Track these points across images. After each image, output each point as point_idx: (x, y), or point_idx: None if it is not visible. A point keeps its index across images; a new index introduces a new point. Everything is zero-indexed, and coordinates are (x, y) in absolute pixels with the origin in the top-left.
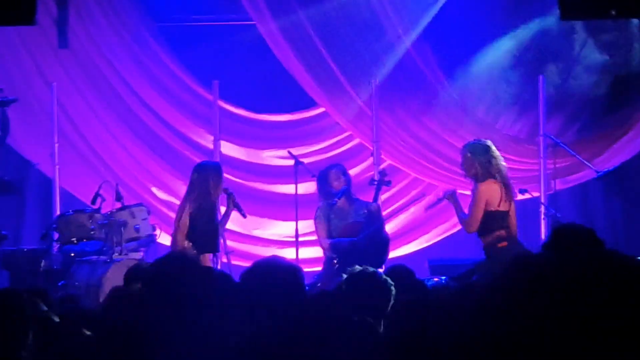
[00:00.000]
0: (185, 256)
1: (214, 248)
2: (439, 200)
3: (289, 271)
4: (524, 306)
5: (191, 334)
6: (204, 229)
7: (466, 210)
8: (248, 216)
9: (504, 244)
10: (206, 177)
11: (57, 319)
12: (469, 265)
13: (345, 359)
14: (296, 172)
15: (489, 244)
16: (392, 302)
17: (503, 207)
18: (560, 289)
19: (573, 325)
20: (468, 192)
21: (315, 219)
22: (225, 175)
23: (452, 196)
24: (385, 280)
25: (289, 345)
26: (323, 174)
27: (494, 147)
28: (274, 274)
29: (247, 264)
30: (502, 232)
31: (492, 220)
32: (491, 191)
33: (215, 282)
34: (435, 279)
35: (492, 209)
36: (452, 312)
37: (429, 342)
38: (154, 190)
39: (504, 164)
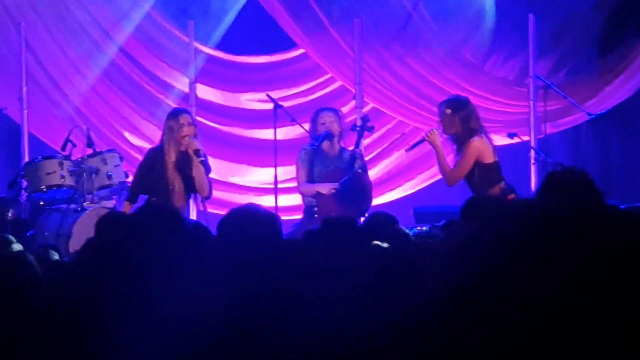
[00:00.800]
0: (164, 207)
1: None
2: (420, 140)
3: (265, 219)
4: (511, 257)
5: (165, 290)
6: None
7: (449, 160)
8: (226, 163)
9: (512, 195)
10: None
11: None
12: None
13: (323, 311)
14: (275, 116)
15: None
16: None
17: (497, 157)
18: (551, 240)
19: (562, 281)
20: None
21: (297, 161)
22: (201, 119)
23: (433, 137)
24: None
25: (263, 299)
26: (314, 116)
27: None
28: (250, 223)
29: (223, 211)
30: (504, 184)
31: (493, 172)
32: (484, 143)
33: (191, 234)
34: (419, 228)
35: (490, 160)
36: (433, 263)
37: (406, 295)
38: (127, 135)
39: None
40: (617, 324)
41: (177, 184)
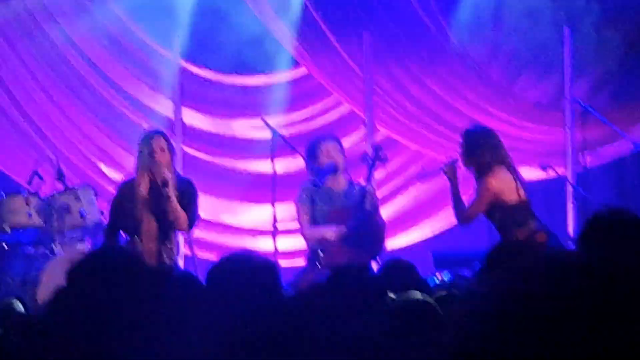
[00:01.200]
0: (126, 252)
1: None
2: (436, 171)
3: (262, 269)
4: (547, 324)
5: (148, 347)
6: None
7: (464, 198)
8: (216, 199)
9: (544, 237)
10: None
11: None
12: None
13: None
14: (273, 146)
15: (526, 240)
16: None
17: (523, 195)
18: (600, 303)
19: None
20: None
21: (296, 203)
22: (187, 149)
23: (451, 168)
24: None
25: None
26: (312, 147)
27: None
28: (245, 274)
29: (213, 256)
30: (535, 224)
31: (519, 211)
32: (502, 181)
33: (174, 284)
34: (439, 277)
35: (512, 199)
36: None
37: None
38: (103, 167)
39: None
40: None
41: (147, 221)
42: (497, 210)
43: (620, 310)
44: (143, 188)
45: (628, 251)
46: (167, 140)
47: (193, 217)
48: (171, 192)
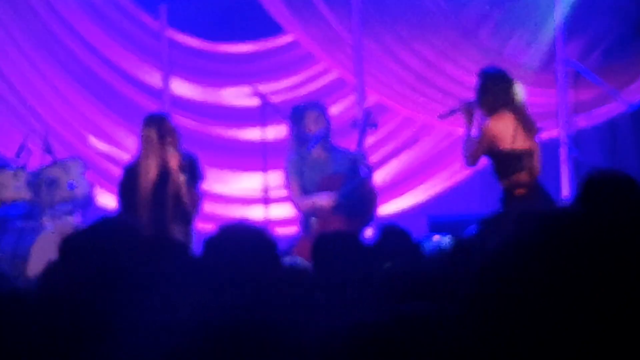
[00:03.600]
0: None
1: None
2: (455, 109)
3: (259, 240)
4: (540, 283)
5: (140, 319)
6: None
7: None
8: (207, 169)
9: (522, 191)
10: None
11: None
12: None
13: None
14: (263, 114)
15: (506, 191)
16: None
17: (520, 146)
18: (593, 261)
19: (608, 312)
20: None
21: (286, 174)
22: (177, 118)
23: (468, 108)
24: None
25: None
26: (297, 115)
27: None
28: (243, 245)
29: (208, 225)
30: (522, 176)
31: (509, 160)
32: (500, 126)
33: (169, 255)
34: (436, 238)
35: (506, 146)
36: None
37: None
38: (92, 139)
39: (522, 96)
40: None
41: (155, 207)
42: (492, 155)
43: (617, 257)
44: (153, 172)
45: (622, 209)
46: (171, 122)
47: (201, 193)
48: (183, 177)
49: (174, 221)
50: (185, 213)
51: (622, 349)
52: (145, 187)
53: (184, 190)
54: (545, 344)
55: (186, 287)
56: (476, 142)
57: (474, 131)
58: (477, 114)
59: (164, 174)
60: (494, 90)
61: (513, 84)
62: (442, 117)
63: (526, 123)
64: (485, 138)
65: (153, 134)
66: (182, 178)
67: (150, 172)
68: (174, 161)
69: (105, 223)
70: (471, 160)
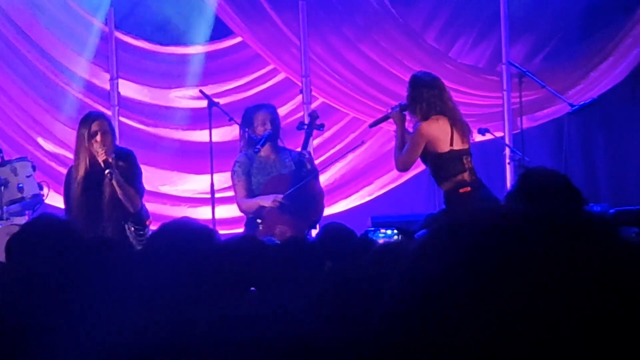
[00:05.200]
0: (59, 220)
1: None
2: (384, 116)
3: (202, 235)
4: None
5: (86, 315)
6: None
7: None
8: (155, 170)
9: (467, 189)
10: None
11: None
12: (420, 221)
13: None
14: (210, 115)
15: (449, 192)
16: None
17: (459, 146)
18: (521, 258)
19: (534, 307)
20: None
21: (232, 175)
22: (125, 120)
23: (399, 112)
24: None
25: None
26: (246, 116)
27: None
28: (185, 240)
29: (154, 226)
30: (464, 176)
31: (450, 161)
32: (435, 129)
33: (108, 253)
34: (383, 232)
35: (445, 149)
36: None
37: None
38: (40, 141)
39: (453, 102)
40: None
41: (90, 203)
42: (429, 159)
43: (546, 264)
44: (81, 171)
45: (554, 204)
46: (107, 121)
47: (139, 189)
48: (115, 172)
49: (113, 218)
50: (123, 209)
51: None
52: (75, 186)
53: (113, 186)
54: (470, 345)
55: (126, 283)
56: (409, 147)
57: (406, 136)
58: (408, 118)
59: (95, 172)
60: (427, 97)
61: (445, 89)
62: (372, 125)
63: (461, 125)
64: (419, 142)
65: (84, 132)
66: (108, 174)
67: (80, 171)
68: (100, 157)
69: (41, 221)
70: (404, 165)
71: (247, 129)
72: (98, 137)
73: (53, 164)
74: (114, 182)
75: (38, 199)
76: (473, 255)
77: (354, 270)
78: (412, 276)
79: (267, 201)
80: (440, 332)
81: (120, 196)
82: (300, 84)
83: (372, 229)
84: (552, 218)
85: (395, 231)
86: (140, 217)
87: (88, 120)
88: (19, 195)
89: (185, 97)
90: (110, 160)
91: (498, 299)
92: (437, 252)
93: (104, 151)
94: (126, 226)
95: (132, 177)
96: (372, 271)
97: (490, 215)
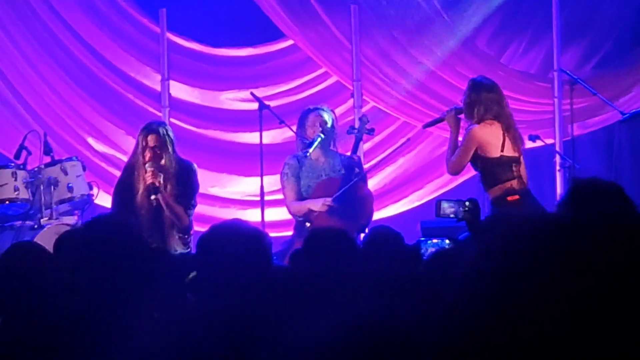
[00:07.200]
0: (121, 222)
1: None
2: (439, 118)
3: (252, 237)
4: (524, 280)
5: (137, 317)
6: None
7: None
8: (205, 172)
9: (515, 197)
10: None
11: None
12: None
13: (315, 343)
14: (260, 118)
15: (498, 198)
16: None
17: (510, 153)
18: (576, 261)
19: (588, 307)
20: None
21: (281, 178)
22: (175, 121)
23: (454, 115)
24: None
25: (249, 327)
26: (300, 119)
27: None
28: (235, 242)
29: (203, 228)
30: (513, 184)
31: (500, 167)
32: (488, 134)
33: (162, 256)
34: (435, 241)
35: (495, 154)
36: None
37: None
38: (91, 141)
39: (509, 109)
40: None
41: (147, 214)
42: (479, 163)
43: (600, 266)
44: (142, 185)
45: (605, 210)
46: (166, 133)
47: (191, 205)
48: (162, 196)
49: (157, 228)
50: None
51: (606, 351)
52: (138, 194)
53: (164, 209)
54: (529, 347)
55: (178, 285)
56: (460, 151)
57: (459, 139)
58: (463, 121)
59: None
60: (486, 100)
61: (503, 95)
62: (426, 126)
63: (514, 133)
64: (471, 145)
65: (142, 141)
66: (154, 200)
67: (140, 181)
68: (146, 180)
69: (100, 221)
70: (455, 168)
71: (299, 131)
72: (147, 154)
73: (103, 164)
74: (162, 203)
75: (87, 199)
76: (535, 256)
77: (404, 273)
78: (476, 277)
79: (316, 205)
80: (506, 329)
81: (167, 214)
82: (351, 87)
83: (423, 239)
84: (608, 223)
85: (447, 241)
86: (187, 229)
87: (146, 130)
88: (69, 195)
89: (236, 99)
90: (157, 184)
91: (562, 296)
92: (502, 253)
93: (150, 173)
94: (172, 232)
95: (187, 193)
96: (424, 274)
97: (547, 220)
